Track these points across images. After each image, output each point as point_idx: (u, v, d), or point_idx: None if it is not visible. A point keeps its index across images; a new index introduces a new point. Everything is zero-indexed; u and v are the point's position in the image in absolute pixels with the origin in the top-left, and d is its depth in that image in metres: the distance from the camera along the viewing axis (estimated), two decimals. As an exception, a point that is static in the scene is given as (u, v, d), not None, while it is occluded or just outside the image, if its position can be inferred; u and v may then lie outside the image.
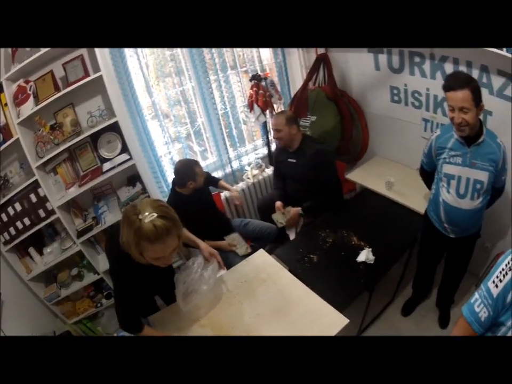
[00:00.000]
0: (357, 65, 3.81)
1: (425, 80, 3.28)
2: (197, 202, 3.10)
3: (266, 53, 4.19)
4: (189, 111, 3.86)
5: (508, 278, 1.34)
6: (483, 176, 2.46)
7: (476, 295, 1.47)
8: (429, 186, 2.91)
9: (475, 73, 2.88)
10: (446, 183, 2.61)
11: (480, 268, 3.46)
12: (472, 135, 2.39)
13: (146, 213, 1.67)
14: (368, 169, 3.92)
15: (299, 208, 3.44)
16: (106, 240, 2.80)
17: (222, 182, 3.67)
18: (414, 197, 3.29)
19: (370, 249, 2.87)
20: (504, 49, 2.45)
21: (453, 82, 2.27)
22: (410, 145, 3.61)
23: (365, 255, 2.80)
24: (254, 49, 4.01)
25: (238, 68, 4.07)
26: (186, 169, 3.03)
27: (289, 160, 3.49)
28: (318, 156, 3.30)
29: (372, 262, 2.78)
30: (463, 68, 2.96)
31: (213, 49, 3.60)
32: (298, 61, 4.17)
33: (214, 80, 3.73)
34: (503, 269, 1.37)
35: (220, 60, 3.68)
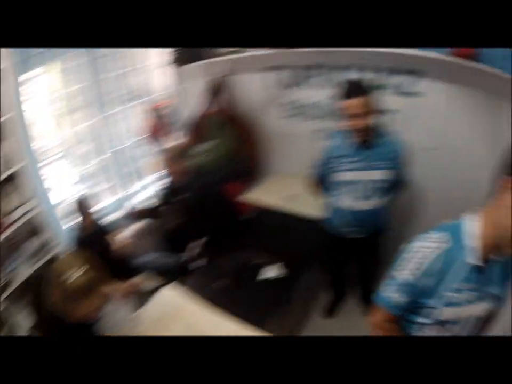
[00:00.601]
0: (252, 85, 3.76)
1: (317, 91, 3.30)
2: (95, 243, 2.90)
3: (163, 81, 4.05)
4: (90, 148, 3.64)
5: (412, 264, 1.38)
6: (383, 175, 2.48)
7: (386, 284, 1.51)
8: (324, 196, 2.83)
9: (376, 76, 2.97)
10: (346, 190, 2.57)
11: (394, 256, 3.49)
12: (370, 137, 2.41)
13: (70, 272, 1.64)
14: (267, 187, 3.85)
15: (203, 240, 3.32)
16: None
17: (112, 232, 3.39)
18: (314, 207, 3.18)
19: (275, 265, 2.80)
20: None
21: (353, 90, 2.28)
22: (305, 156, 3.38)
23: (272, 272, 2.75)
24: (152, 78, 3.88)
25: (137, 100, 3.91)
26: (81, 207, 2.90)
27: (181, 195, 3.37)
28: (206, 189, 3.25)
29: (280, 277, 2.75)
30: (361, 73, 3.01)
31: (110, 81, 3.45)
32: (196, 86, 3.98)
33: (112, 114, 3.56)
34: (406, 257, 1.41)
35: (118, 92, 3.51)
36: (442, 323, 1.44)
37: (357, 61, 3.03)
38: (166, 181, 3.55)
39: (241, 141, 3.88)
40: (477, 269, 1.34)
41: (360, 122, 2.28)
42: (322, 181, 2.74)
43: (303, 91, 3.40)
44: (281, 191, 3.48)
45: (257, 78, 3.63)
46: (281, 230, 3.26)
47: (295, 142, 3.71)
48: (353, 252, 3.00)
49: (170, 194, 3.46)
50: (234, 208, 3.61)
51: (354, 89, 2.28)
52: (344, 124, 2.37)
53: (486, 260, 1.34)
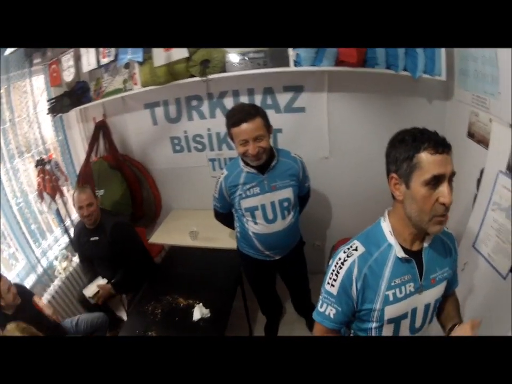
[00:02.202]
0: (135, 125, 3.60)
1: (205, 121, 3.27)
2: (23, 318, 2.58)
3: (48, 132, 3.74)
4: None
5: (340, 276, 1.42)
6: (287, 193, 2.47)
7: (320, 300, 1.53)
8: (230, 226, 2.80)
9: (258, 98, 2.98)
10: (250, 217, 2.52)
11: (321, 265, 3.57)
12: (266, 159, 2.36)
13: None
14: (169, 226, 3.71)
15: (109, 285, 3.06)
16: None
17: (36, 299, 3.02)
18: (223, 236, 3.19)
19: (200, 303, 2.69)
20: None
21: (242, 115, 2.21)
22: (203, 188, 3.45)
23: (199, 312, 2.62)
24: (37, 130, 3.55)
25: (25, 154, 3.54)
26: None
27: (91, 239, 3.11)
28: (116, 230, 3.02)
29: (209, 315, 2.63)
30: (244, 97, 3.03)
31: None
32: (79, 134, 3.83)
33: (2, 172, 3.21)
34: (333, 270, 1.45)
35: (6, 147, 3.19)
36: (389, 321, 1.46)
37: (233, 86, 3.05)
38: (77, 227, 3.30)
39: (127, 187, 3.71)
40: (407, 261, 1.40)
41: (253, 148, 2.22)
42: (226, 212, 2.68)
43: (190, 122, 3.32)
44: (185, 228, 3.35)
45: (141, 116, 3.49)
46: (197, 267, 3.15)
47: (190, 175, 3.62)
48: (276, 272, 2.95)
49: (83, 238, 3.21)
50: (147, 251, 3.42)
51: (241, 115, 2.22)
52: (239, 151, 2.30)
53: (415, 250, 1.42)
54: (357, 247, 1.44)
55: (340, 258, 1.44)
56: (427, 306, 1.51)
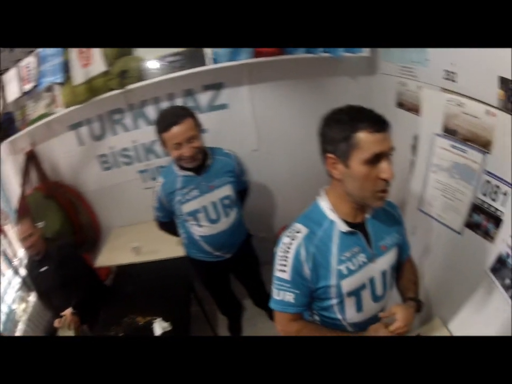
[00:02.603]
0: (62, 149, 3.42)
1: (129, 134, 3.17)
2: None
3: None
4: None
5: (289, 260, 1.41)
6: (226, 190, 2.44)
7: (274, 288, 1.51)
8: (176, 235, 2.72)
9: (179, 102, 2.94)
10: (194, 220, 2.45)
11: (270, 255, 3.54)
12: (202, 160, 2.31)
13: None
14: (112, 246, 3.55)
15: (70, 309, 2.83)
16: None
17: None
18: (166, 246, 3.10)
19: (159, 318, 2.59)
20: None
21: (171, 119, 2.13)
22: (137, 202, 3.41)
23: (159, 326, 2.52)
24: None
25: None
26: None
27: (41, 270, 2.93)
28: (61, 252, 2.90)
29: (170, 328, 2.53)
30: (164, 103, 2.97)
31: None
32: (11, 168, 3.56)
33: None
34: (281, 256, 1.45)
35: None
36: (349, 295, 1.47)
37: (153, 93, 2.99)
38: (27, 263, 3.13)
39: (64, 215, 3.55)
40: (352, 233, 1.43)
41: (187, 149, 2.16)
42: (169, 220, 2.59)
43: (115, 137, 3.22)
44: (128, 245, 3.23)
45: (66, 138, 3.33)
46: (147, 282, 3.07)
47: (123, 191, 3.51)
48: (229, 271, 2.91)
49: (34, 272, 3.05)
50: (94, 271, 3.29)
51: (171, 119, 2.14)
52: (173, 155, 2.22)
53: (359, 222, 1.46)
54: (299, 229, 1.44)
55: (284, 243, 1.45)
56: (384, 274, 1.53)
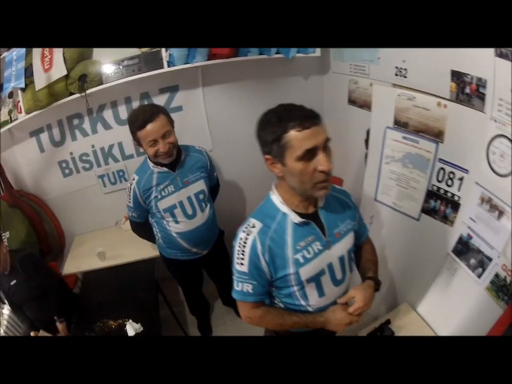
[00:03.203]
0: (24, 156, 3.32)
1: (88, 138, 3.13)
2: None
3: None
4: None
5: (246, 254, 1.47)
6: (200, 185, 2.49)
7: (235, 280, 1.57)
8: (150, 238, 2.74)
9: (135, 105, 2.94)
10: (171, 217, 2.46)
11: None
12: (176, 156, 2.34)
13: None
14: (76, 253, 3.45)
15: (58, 321, 2.81)
16: None
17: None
18: (130, 250, 3.10)
19: (130, 320, 2.56)
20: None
21: (145, 116, 2.16)
22: (99, 207, 3.43)
23: (131, 328, 2.50)
24: None
25: None
26: None
27: (11, 284, 2.83)
28: (25, 263, 2.79)
29: (142, 329, 2.51)
30: (122, 107, 2.97)
31: None
32: None
33: None
34: (238, 250, 1.50)
35: None
36: (308, 281, 1.53)
37: (111, 97, 2.98)
38: None
39: (29, 224, 3.45)
40: (305, 223, 1.49)
41: (163, 145, 2.19)
42: (144, 220, 2.60)
43: (75, 143, 3.17)
44: (92, 251, 3.16)
45: (28, 145, 3.24)
46: (115, 286, 3.05)
47: (84, 197, 3.45)
48: (203, 269, 2.94)
49: (4, 286, 2.93)
50: (63, 279, 3.23)
51: (145, 117, 2.16)
52: (149, 152, 2.25)
53: (311, 212, 1.51)
54: (254, 224, 1.49)
55: (241, 238, 1.49)
56: (341, 259, 1.60)
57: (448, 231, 2.43)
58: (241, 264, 1.50)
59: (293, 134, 1.27)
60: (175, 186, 2.39)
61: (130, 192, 2.42)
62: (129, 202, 2.46)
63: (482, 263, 2.21)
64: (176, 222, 2.48)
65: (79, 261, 3.30)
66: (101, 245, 3.16)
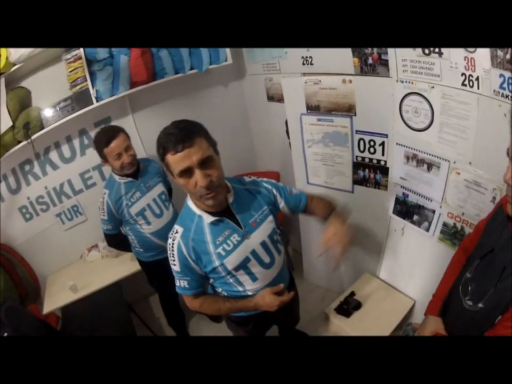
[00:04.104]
0: None
1: (40, 181, 3.19)
2: None
3: None
4: None
5: (175, 256, 1.63)
6: (160, 188, 2.76)
7: (175, 278, 1.74)
8: (127, 247, 2.93)
9: (76, 142, 3.11)
10: (143, 219, 2.68)
11: None
12: (137, 165, 2.62)
13: None
14: (52, 291, 3.47)
15: None
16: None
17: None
18: (98, 277, 3.20)
19: None
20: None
21: (109, 135, 2.43)
22: (62, 244, 3.50)
23: None
24: None
25: None
26: None
27: (3, 336, 2.99)
28: (9, 317, 2.68)
29: None
30: (65, 146, 3.11)
31: None
32: None
33: None
34: (170, 254, 1.67)
35: None
36: (235, 269, 1.69)
37: (54, 139, 3.08)
38: None
39: (7, 268, 3.44)
40: (219, 221, 1.62)
41: (127, 157, 2.47)
42: (118, 231, 2.83)
43: (29, 187, 3.24)
44: (65, 286, 3.23)
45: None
46: (92, 315, 3.13)
47: (47, 237, 3.50)
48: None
49: None
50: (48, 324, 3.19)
51: (109, 135, 2.43)
52: (116, 166, 2.49)
53: (223, 209, 1.63)
54: (177, 229, 1.64)
55: (169, 244, 1.65)
56: (263, 244, 1.73)
57: (383, 195, 2.53)
58: (174, 265, 1.65)
59: (169, 157, 1.40)
60: (141, 192, 2.63)
61: (103, 206, 2.60)
62: (104, 216, 2.63)
63: (426, 216, 2.30)
64: (148, 223, 2.70)
65: (55, 298, 3.33)
66: (71, 279, 3.22)
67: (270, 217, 1.76)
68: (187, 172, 1.41)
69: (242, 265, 1.69)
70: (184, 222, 1.65)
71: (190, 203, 1.64)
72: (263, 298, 1.73)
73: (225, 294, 1.82)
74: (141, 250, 2.84)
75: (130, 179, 2.60)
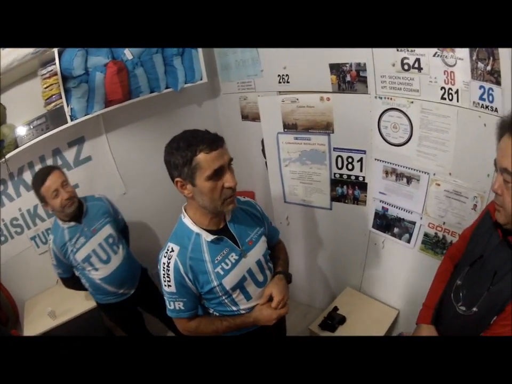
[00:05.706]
0: None
1: (14, 202, 3.05)
2: None
3: None
4: None
5: (171, 276, 1.54)
6: (107, 230, 2.57)
7: (166, 300, 1.64)
8: (81, 287, 2.71)
9: (49, 162, 2.97)
10: (90, 266, 2.51)
11: None
12: (78, 207, 2.45)
13: None
14: (31, 318, 3.28)
15: None
16: None
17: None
18: (76, 302, 3.06)
19: None
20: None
21: (43, 174, 2.33)
22: (38, 268, 3.33)
23: None
24: None
25: None
26: None
27: None
28: None
29: None
30: (38, 165, 2.98)
31: None
32: None
33: None
34: (164, 274, 1.56)
35: None
36: (232, 289, 1.62)
37: (28, 159, 2.97)
38: None
39: None
40: (218, 239, 1.57)
41: (65, 193, 2.32)
42: (71, 275, 2.64)
43: (3, 209, 3.05)
44: (43, 312, 3.05)
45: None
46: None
47: (22, 261, 3.32)
48: (138, 306, 2.91)
49: None
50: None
51: (43, 172, 2.33)
52: (55, 205, 2.34)
53: (222, 227, 1.61)
54: (172, 247, 1.55)
55: (164, 263, 1.55)
56: (258, 263, 1.69)
57: (362, 210, 2.52)
58: (169, 286, 1.55)
59: (202, 157, 1.35)
60: (85, 237, 2.46)
61: (51, 251, 2.47)
62: (53, 260, 2.51)
63: (406, 228, 2.30)
64: (96, 269, 2.53)
65: (35, 324, 3.17)
66: (49, 304, 3.08)
67: (263, 237, 1.75)
68: (218, 173, 1.39)
69: (239, 285, 1.64)
70: (180, 240, 1.57)
71: (187, 220, 1.57)
72: (262, 313, 1.67)
73: (217, 314, 1.74)
74: (94, 292, 2.70)
75: (73, 223, 2.45)
